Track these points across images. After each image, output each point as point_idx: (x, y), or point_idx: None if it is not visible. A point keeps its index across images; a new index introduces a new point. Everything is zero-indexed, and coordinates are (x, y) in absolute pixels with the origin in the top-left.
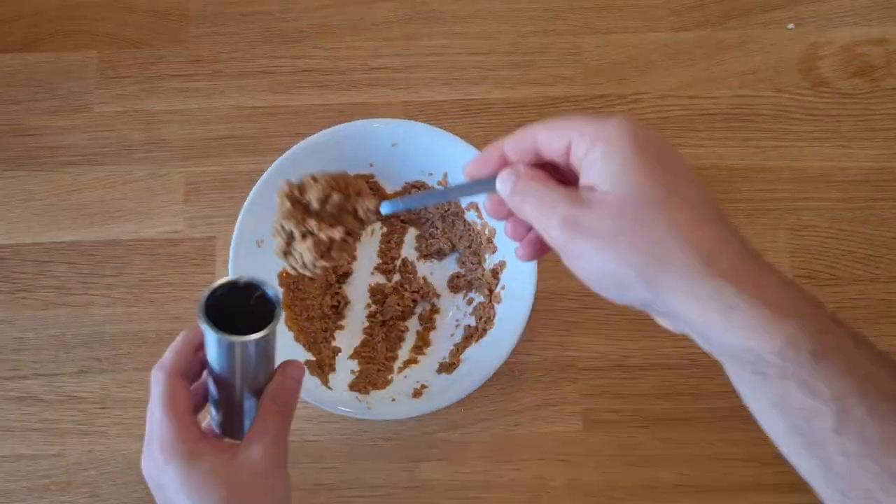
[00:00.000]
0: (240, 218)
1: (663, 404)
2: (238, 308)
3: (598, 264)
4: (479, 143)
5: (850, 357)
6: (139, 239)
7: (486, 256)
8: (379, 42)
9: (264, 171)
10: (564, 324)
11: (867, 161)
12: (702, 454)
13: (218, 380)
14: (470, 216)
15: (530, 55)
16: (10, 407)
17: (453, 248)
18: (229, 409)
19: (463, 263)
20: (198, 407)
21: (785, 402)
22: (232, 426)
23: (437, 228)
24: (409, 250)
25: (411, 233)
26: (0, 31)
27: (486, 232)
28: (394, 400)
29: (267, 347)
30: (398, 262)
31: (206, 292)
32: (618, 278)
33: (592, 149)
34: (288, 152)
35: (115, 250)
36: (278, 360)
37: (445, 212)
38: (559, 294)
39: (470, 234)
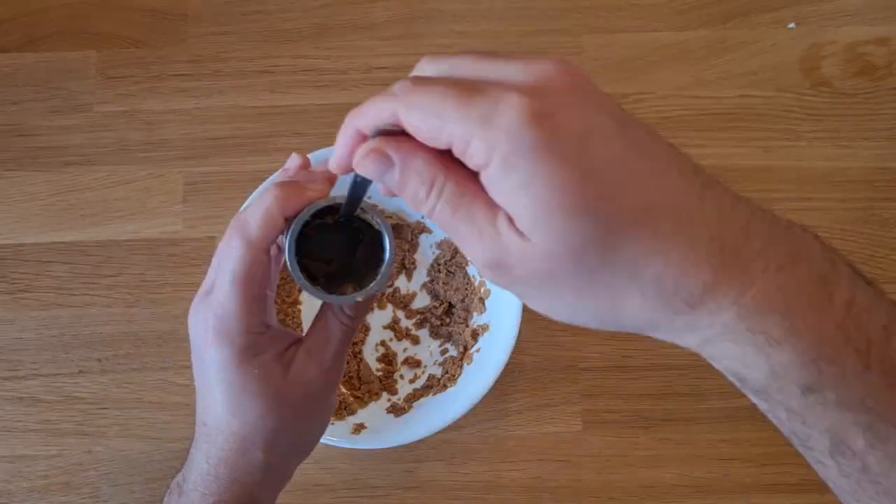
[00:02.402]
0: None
1: (663, 404)
2: (327, 230)
3: (546, 311)
4: None
5: (852, 385)
6: (139, 239)
7: (474, 314)
8: (379, 41)
9: (264, 171)
10: (564, 324)
11: (869, 161)
12: (702, 454)
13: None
14: (471, 270)
15: (531, 54)
16: (9, 407)
17: (445, 300)
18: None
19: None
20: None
21: (778, 419)
22: None
23: (440, 274)
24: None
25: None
26: (0, 30)
27: (482, 291)
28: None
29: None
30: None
31: (295, 226)
32: (577, 323)
33: (486, 168)
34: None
35: (115, 250)
36: None
37: (449, 261)
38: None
39: (466, 288)
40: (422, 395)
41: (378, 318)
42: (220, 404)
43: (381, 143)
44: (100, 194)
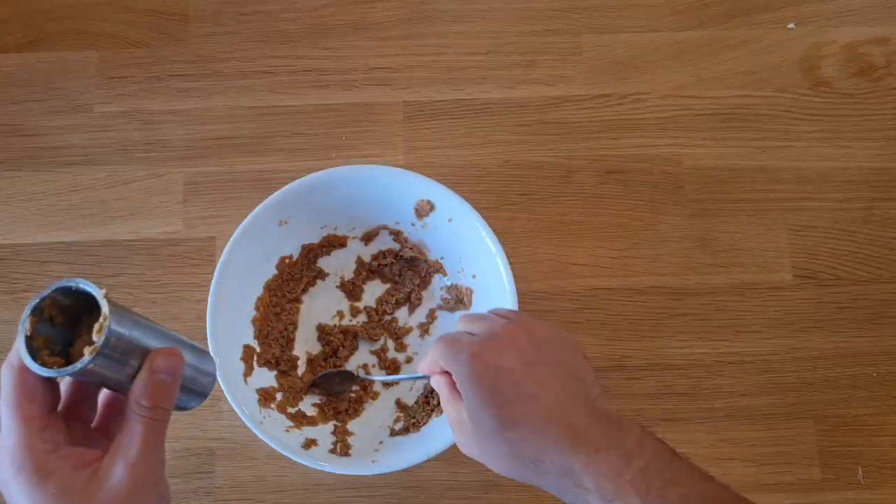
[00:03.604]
0: (224, 254)
1: (663, 404)
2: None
3: (466, 451)
4: (479, 144)
5: None
6: (139, 239)
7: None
8: (379, 41)
9: (264, 171)
10: (564, 324)
11: (868, 161)
12: (702, 454)
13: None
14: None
15: (531, 55)
16: None
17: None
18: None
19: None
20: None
21: None
22: None
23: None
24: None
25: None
26: (0, 30)
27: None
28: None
29: (115, 353)
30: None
31: (25, 313)
32: (482, 461)
33: (455, 378)
34: (278, 193)
35: (115, 250)
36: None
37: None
38: (559, 294)
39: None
40: (396, 434)
41: (367, 343)
42: None
43: (441, 375)
44: (100, 194)
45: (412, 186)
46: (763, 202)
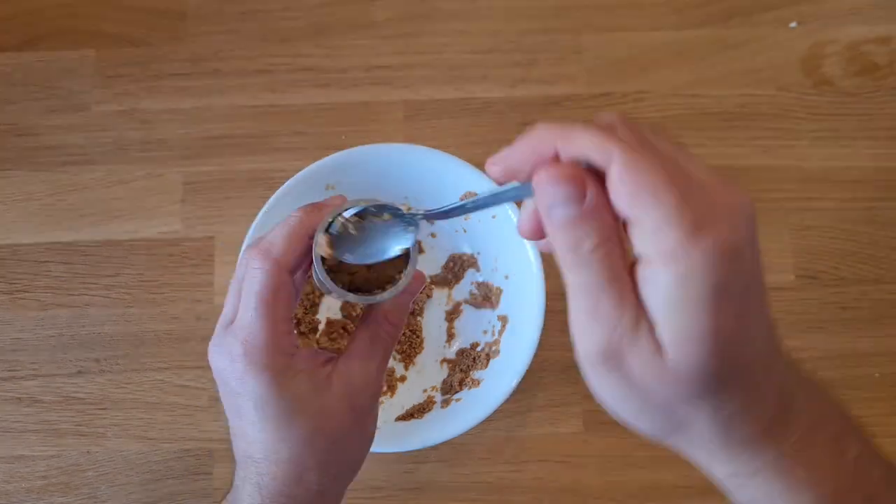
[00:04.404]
0: (254, 224)
1: None
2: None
3: (615, 403)
4: (479, 143)
5: None
6: (137, 239)
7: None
8: (379, 40)
9: (263, 170)
10: (566, 324)
11: (871, 161)
12: None
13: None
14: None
15: (532, 53)
16: (8, 408)
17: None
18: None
19: (462, 354)
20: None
21: None
22: None
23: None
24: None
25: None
26: None
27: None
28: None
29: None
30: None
31: (322, 226)
32: (636, 426)
33: (662, 272)
34: (302, 173)
35: (114, 250)
36: None
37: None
38: (560, 294)
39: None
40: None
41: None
42: (266, 434)
43: (587, 177)
44: (98, 194)
45: (462, 176)
46: (765, 202)
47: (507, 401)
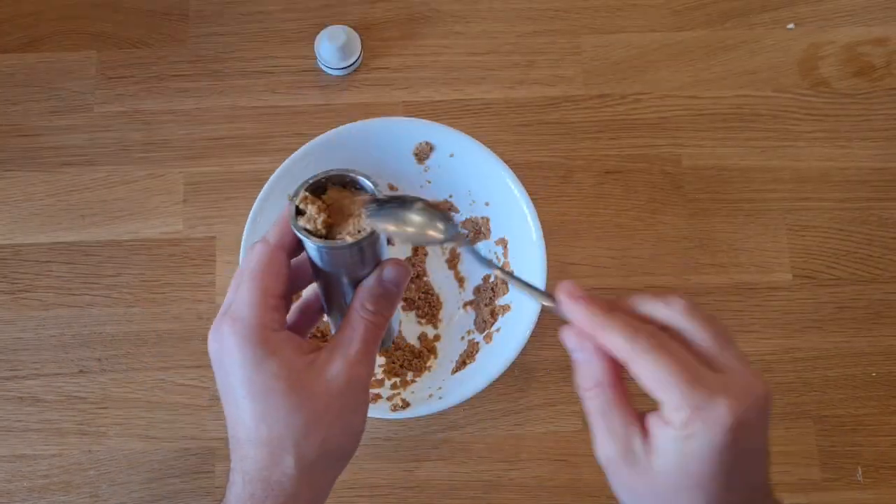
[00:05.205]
0: (254, 206)
1: None
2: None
3: (625, 495)
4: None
5: None
6: (139, 239)
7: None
8: (378, 42)
9: (264, 171)
10: (565, 324)
11: (867, 161)
12: None
13: (317, 274)
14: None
15: (530, 55)
16: (10, 407)
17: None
18: (330, 307)
19: (479, 291)
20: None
21: None
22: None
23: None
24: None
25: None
26: None
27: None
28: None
29: (364, 249)
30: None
31: (297, 187)
32: None
33: (669, 428)
34: (304, 148)
35: (115, 250)
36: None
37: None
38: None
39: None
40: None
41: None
42: (246, 412)
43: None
44: (100, 194)
45: (408, 132)
46: (762, 202)
47: (507, 400)
